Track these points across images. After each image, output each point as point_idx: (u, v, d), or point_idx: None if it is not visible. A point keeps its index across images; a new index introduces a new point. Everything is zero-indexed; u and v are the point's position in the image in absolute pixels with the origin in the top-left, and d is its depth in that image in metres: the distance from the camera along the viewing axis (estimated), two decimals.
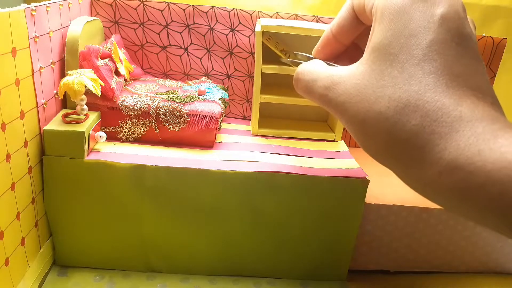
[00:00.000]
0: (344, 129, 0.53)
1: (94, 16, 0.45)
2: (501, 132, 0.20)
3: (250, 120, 0.50)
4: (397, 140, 0.22)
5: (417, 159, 0.22)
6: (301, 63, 0.32)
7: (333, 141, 0.46)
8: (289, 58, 0.43)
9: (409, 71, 0.22)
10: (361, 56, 0.30)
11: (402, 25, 0.23)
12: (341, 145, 0.45)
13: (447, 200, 0.21)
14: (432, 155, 0.21)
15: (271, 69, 0.43)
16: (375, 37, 0.24)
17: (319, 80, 0.27)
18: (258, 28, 0.41)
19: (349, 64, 0.27)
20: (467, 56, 0.23)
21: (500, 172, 0.19)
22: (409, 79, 0.22)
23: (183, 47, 0.48)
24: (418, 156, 0.22)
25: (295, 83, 0.31)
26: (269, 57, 0.43)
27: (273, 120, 0.48)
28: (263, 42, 0.42)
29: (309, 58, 0.33)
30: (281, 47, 0.43)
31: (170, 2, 0.46)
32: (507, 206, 0.19)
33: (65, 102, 0.39)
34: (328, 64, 0.30)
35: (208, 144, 0.40)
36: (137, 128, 0.39)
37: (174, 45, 0.48)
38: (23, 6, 0.31)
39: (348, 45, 0.31)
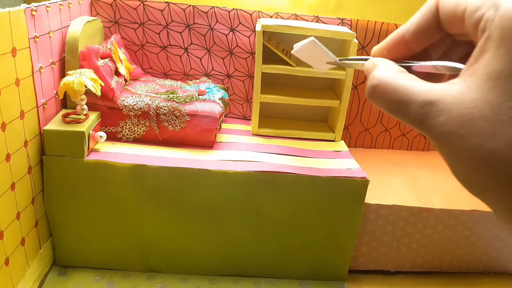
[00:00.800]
0: (344, 129, 0.53)
1: (94, 16, 0.45)
2: None
3: (250, 120, 0.50)
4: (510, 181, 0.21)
5: None
6: (352, 63, 0.29)
7: (333, 141, 0.46)
8: (290, 56, 0.43)
9: None
10: (428, 58, 0.28)
11: None
12: (341, 145, 0.45)
13: None
14: None
15: (272, 69, 0.43)
16: (493, 62, 0.22)
17: (413, 103, 0.24)
18: (258, 28, 0.41)
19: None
20: None
21: None
22: None
23: (183, 47, 0.48)
24: None
25: (372, 92, 0.27)
26: (269, 57, 0.43)
27: (273, 120, 0.48)
28: (263, 43, 0.42)
29: (362, 60, 0.29)
30: (282, 47, 0.43)
31: (170, 2, 0.46)
32: None
33: (65, 102, 0.39)
34: (400, 64, 0.27)
35: (208, 144, 0.40)
36: (137, 128, 0.39)
37: (174, 45, 0.48)
38: (23, 6, 0.31)
39: (418, 53, 0.28)
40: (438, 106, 0.25)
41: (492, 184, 0.23)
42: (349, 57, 0.34)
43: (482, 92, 0.23)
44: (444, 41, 0.27)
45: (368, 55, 0.51)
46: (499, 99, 0.23)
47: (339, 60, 0.33)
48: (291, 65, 0.43)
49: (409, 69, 0.28)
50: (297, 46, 0.33)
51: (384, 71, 0.28)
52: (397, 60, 0.29)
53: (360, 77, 0.50)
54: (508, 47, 0.23)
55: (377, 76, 0.28)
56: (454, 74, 0.25)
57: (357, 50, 0.48)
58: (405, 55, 0.30)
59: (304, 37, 0.45)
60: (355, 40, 0.41)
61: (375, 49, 0.32)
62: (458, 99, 0.25)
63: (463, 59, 0.29)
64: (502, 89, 0.23)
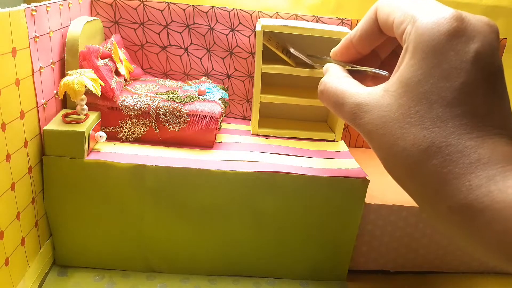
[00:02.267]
0: (344, 129, 0.53)
1: (94, 16, 0.45)
2: None
3: (250, 120, 0.50)
4: (417, 175, 0.24)
5: (432, 194, 0.23)
6: (320, 63, 0.33)
7: (333, 141, 0.46)
8: (289, 55, 0.43)
9: (437, 112, 0.23)
10: (379, 61, 0.31)
11: (435, 64, 0.23)
12: (341, 145, 0.45)
13: (456, 234, 0.23)
14: (446, 192, 0.22)
15: (271, 69, 0.43)
16: (405, 71, 0.24)
17: (346, 104, 0.28)
18: (258, 28, 0.41)
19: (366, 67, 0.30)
20: (494, 93, 0.23)
21: (505, 211, 0.20)
22: (436, 120, 0.23)
23: (183, 47, 0.48)
24: (433, 192, 0.23)
25: (319, 95, 0.31)
26: (269, 57, 0.43)
27: (273, 120, 0.48)
28: (263, 43, 0.42)
29: (327, 60, 0.33)
30: (282, 47, 0.43)
31: (170, 2, 0.46)
32: (510, 243, 0.20)
33: (65, 102, 0.39)
34: (350, 67, 0.31)
35: (208, 144, 0.40)
36: (137, 128, 0.39)
37: (174, 45, 0.48)
38: (23, 6, 0.31)
39: (367, 54, 0.32)
40: (363, 108, 0.29)
41: (404, 177, 0.27)
42: (318, 56, 0.39)
43: (396, 97, 0.26)
44: (391, 43, 0.30)
45: None
46: (408, 104, 0.26)
47: (314, 62, 0.40)
48: (291, 65, 0.43)
49: (357, 72, 0.33)
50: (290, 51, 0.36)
51: (331, 77, 0.33)
52: (348, 61, 0.34)
53: (360, 77, 0.50)
54: (417, 58, 0.26)
55: (324, 82, 0.34)
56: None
57: None
58: (355, 56, 0.34)
59: (305, 36, 0.45)
60: None
61: (332, 51, 0.37)
62: (378, 102, 0.28)
63: (385, 59, 0.32)
64: (410, 95, 0.26)
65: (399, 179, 0.26)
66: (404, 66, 0.25)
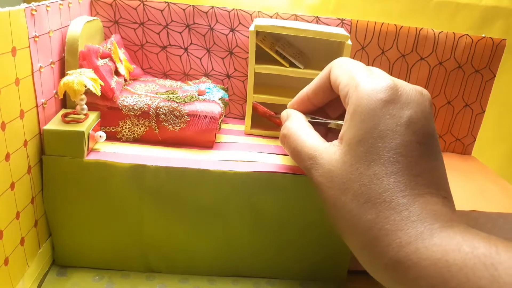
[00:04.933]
0: None
1: (94, 16, 0.45)
2: (438, 231, 0.22)
3: None
4: (355, 231, 0.25)
5: (369, 251, 0.25)
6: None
7: None
8: (278, 52, 0.43)
9: (374, 170, 0.25)
10: (335, 107, 0.35)
11: (372, 126, 0.25)
12: None
13: None
14: (379, 249, 0.24)
15: (265, 69, 0.43)
16: (348, 131, 0.27)
17: (304, 154, 0.30)
18: (252, 28, 0.41)
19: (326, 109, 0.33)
20: (428, 154, 0.25)
21: (429, 268, 0.21)
22: (373, 177, 0.25)
23: (183, 47, 0.48)
24: (369, 248, 0.25)
25: (281, 138, 0.34)
26: (265, 57, 0.43)
27: (267, 120, 0.48)
28: (256, 43, 0.42)
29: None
30: (276, 48, 0.43)
31: (170, 2, 0.46)
32: None
33: (65, 101, 0.39)
34: (309, 118, 0.34)
35: (208, 144, 0.40)
36: (137, 128, 0.39)
37: (174, 45, 0.48)
38: (23, 5, 0.31)
39: (321, 107, 0.34)
40: (318, 161, 0.31)
41: (346, 232, 0.29)
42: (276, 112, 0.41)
43: (341, 154, 0.28)
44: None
45: (367, 55, 0.51)
46: (350, 161, 0.27)
47: (276, 114, 0.42)
48: (284, 66, 0.43)
49: (316, 123, 0.35)
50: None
51: (294, 124, 0.36)
52: (305, 112, 0.34)
53: None
54: (357, 120, 0.28)
55: (287, 126, 0.36)
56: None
57: (357, 51, 0.48)
58: (310, 108, 0.37)
59: (297, 37, 0.46)
60: (349, 42, 0.41)
61: (289, 103, 0.40)
62: (330, 157, 0.30)
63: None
64: (352, 152, 0.27)
65: (343, 234, 0.27)
66: (347, 126, 0.27)
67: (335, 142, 0.28)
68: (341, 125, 0.32)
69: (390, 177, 0.24)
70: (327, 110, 0.35)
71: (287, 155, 0.41)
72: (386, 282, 0.25)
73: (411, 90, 0.26)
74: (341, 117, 0.31)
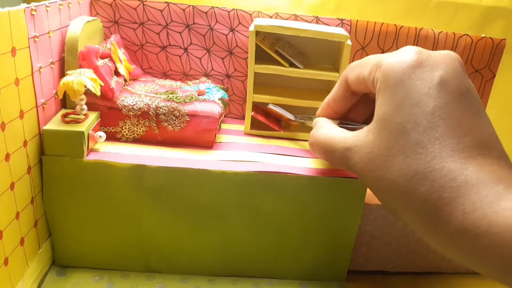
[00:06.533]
0: None
1: (94, 16, 0.45)
2: (505, 193, 0.20)
3: None
4: (410, 205, 0.24)
5: (429, 223, 0.23)
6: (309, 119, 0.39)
7: None
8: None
9: (415, 139, 0.23)
10: (358, 113, 0.34)
11: (404, 95, 0.24)
12: None
13: (461, 258, 0.22)
14: (441, 219, 0.22)
15: (264, 69, 0.43)
16: (380, 108, 0.26)
17: (336, 151, 0.29)
18: (251, 28, 0.41)
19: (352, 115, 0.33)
20: (470, 113, 0.23)
21: (504, 235, 0.19)
22: (416, 147, 0.23)
23: (183, 47, 0.48)
24: (429, 220, 0.23)
25: (311, 147, 0.34)
26: (266, 57, 0.43)
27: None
28: (256, 43, 0.42)
29: (312, 118, 0.38)
30: (275, 48, 0.43)
31: (170, 2, 0.46)
32: None
33: (65, 102, 0.39)
34: (337, 123, 0.34)
35: (207, 144, 0.40)
36: (137, 128, 0.39)
37: (174, 45, 0.48)
38: (23, 5, 0.31)
39: (344, 114, 0.35)
40: (352, 150, 0.30)
41: (400, 209, 0.27)
42: (302, 116, 0.45)
43: (377, 133, 0.27)
44: (364, 101, 0.33)
45: (367, 55, 0.51)
46: (388, 136, 0.26)
47: (295, 118, 0.44)
48: (284, 66, 0.43)
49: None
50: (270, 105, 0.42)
51: (319, 130, 0.36)
52: (333, 118, 0.35)
53: None
54: (388, 94, 0.27)
55: (313, 134, 0.37)
56: None
57: (357, 51, 0.48)
58: (333, 116, 0.35)
59: (297, 37, 0.45)
60: (349, 42, 0.41)
61: (317, 111, 0.40)
62: (364, 141, 0.29)
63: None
64: (389, 127, 0.26)
65: (396, 213, 0.26)
66: (378, 104, 0.26)
67: (364, 128, 0.28)
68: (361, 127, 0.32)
69: (434, 143, 0.22)
70: (351, 117, 0.35)
71: (287, 155, 0.41)
72: (452, 253, 0.23)
73: (436, 53, 0.25)
74: (368, 121, 0.31)
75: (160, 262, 0.39)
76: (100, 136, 0.37)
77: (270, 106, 0.42)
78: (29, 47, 0.32)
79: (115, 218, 0.37)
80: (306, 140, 0.45)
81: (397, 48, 0.48)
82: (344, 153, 0.28)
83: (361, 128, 0.33)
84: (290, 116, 0.42)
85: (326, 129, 0.32)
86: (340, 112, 0.34)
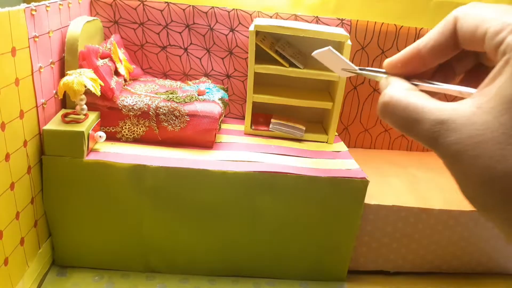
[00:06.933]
0: (343, 129, 0.53)
1: (94, 16, 0.45)
2: None
3: None
4: None
5: None
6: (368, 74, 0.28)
7: (326, 142, 0.45)
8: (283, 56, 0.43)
9: None
10: (451, 77, 0.27)
11: None
12: (341, 146, 0.45)
13: None
14: None
15: (264, 69, 0.43)
16: (508, 86, 0.21)
17: (424, 121, 0.24)
18: (251, 28, 0.41)
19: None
20: None
21: None
22: None
23: (183, 47, 0.48)
24: None
25: (382, 108, 0.26)
26: (266, 57, 0.43)
27: None
28: (256, 43, 0.41)
29: (379, 72, 0.29)
30: (275, 48, 0.43)
31: (170, 2, 0.46)
32: None
33: (65, 102, 0.39)
34: (411, 83, 0.27)
35: (207, 144, 0.40)
36: (137, 128, 0.39)
37: (174, 45, 0.48)
38: (23, 5, 0.30)
39: (433, 68, 0.29)
40: (449, 126, 0.24)
41: (500, 205, 0.23)
42: (367, 68, 0.33)
43: (495, 114, 0.22)
44: (462, 56, 0.26)
45: (367, 55, 0.50)
46: (511, 123, 0.22)
47: (359, 69, 0.32)
48: (284, 66, 0.43)
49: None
50: (316, 52, 0.33)
51: (396, 89, 0.27)
52: (410, 75, 0.28)
53: (360, 77, 0.50)
54: None
55: (389, 93, 0.27)
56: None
57: (357, 51, 0.48)
58: (418, 70, 0.28)
59: (297, 37, 0.45)
60: (349, 42, 0.41)
61: (388, 61, 0.29)
62: (469, 119, 0.24)
63: (469, 72, 0.28)
64: None
65: (489, 208, 0.22)
66: (506, 81, 0.22)
67: (468, 101, 0.23)
68: (468, 91, 0.26)
69: None
70: (443, 71, 0.29)
71: (287, 155, 0.41)
72: None
73: None
74: (467, 77, 0.26)
75: (160, 262, 0.39)
76: (100, 136, 0.37)
77: (331, 49, 0.34)
78: (29, 47, 0.31)
79: (115, 218, 0.37)
80: (308, 141, 0.45)
81: (397, 49, 0.49)
82: (435, 126, 0.24)
83: (458, 92, 0.28)
84: (352, 65, 0.36)
85: (407, 90, 0.26)
86: (430, 65, 0.27)
